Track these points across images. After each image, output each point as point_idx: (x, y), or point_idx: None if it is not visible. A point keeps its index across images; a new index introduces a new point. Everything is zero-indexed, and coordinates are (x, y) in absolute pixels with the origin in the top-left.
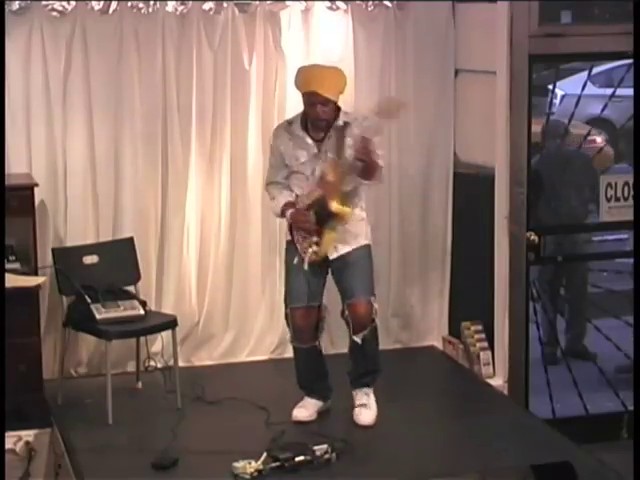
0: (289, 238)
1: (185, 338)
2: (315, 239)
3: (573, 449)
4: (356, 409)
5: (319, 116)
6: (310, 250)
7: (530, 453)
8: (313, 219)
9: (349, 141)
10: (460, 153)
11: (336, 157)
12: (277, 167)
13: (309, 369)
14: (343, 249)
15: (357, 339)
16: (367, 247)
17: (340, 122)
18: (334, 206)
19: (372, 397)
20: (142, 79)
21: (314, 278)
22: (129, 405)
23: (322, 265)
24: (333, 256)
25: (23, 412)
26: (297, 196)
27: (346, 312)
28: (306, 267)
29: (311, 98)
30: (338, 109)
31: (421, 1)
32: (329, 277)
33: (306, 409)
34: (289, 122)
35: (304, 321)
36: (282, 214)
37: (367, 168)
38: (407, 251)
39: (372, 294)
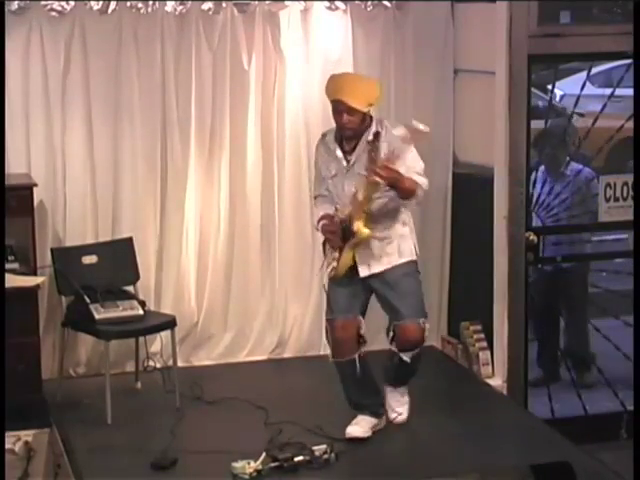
0: None
1: (184, 338)
2: (336, 255)
3: (572, 449)
4: (391, 414)
5: (344, 125)
6: (331, 266)
7: (529, 453)
8: (340, 235)
9: (381, 155)
10: (459, 153)
11: (367, 175)
12: (319, 180)
13: (355, 384)
14: (376, 267)
15: (406, 358)
16: (410, 264)
17: (370, 136)
18: (355, 226)
19: (406, 396)
20: (141, 79)
21: (349, 290)
22: (128, 405)
23: (356, 279)
24: (365, 274)
25: (22, 412)
26: (336, 209)
27: (391, 332)
28: (324, 282)
29: (337, 106)
30: (370, 119)
31: (420, 1)
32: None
33: (360, 426)
34: (324, 134)
35: (342, 333)
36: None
37: (396, 188)
38: None
39: (422, 315)
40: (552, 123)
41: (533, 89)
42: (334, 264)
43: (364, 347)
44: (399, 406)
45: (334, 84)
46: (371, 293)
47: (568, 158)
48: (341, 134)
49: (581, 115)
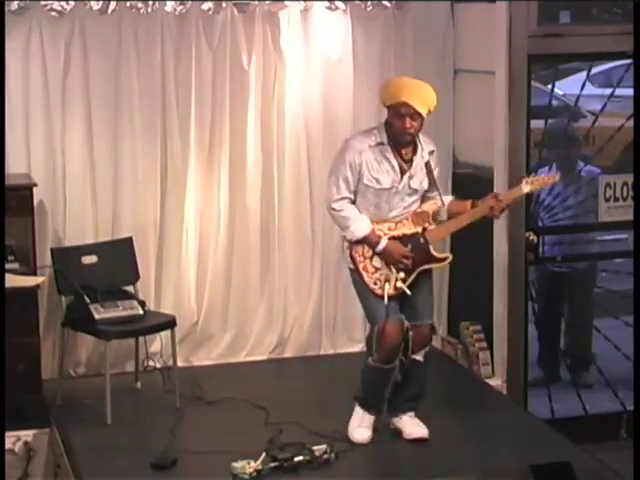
0: (352, 266)
1: (184, 338)
2: (402, 275)
3: (572, 449)
4: (407, 431)
5: (406, 130)
6: (391, 285)
7: (529, 453)
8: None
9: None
10: (459, 153)
11: (438, 198)
12: (351, 183)
13: (383, 389)
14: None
15: (419, 357)
16: None
17: (426, 155)
18: (438, 253)
19: (417, 419)
20: (141, 79)
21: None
22: (128, 405)
23: None
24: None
25: (22, 412)
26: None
27: (409, 333)
28: (386, 302)
29: (400, 109)
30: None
31: (420, 1)
32: None
33: (367, 429)
34: (379, 142)
35: (395, 338)
36: (363, 240)
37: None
38: None
39: (433, 315)
40: (566, 123)
41: (545, 87)
42: (398, 284)
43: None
44: (416, 426)
45: (397, 87)
46: None
47: (579, 159)
48: (398, 140)
49: (594, 114)
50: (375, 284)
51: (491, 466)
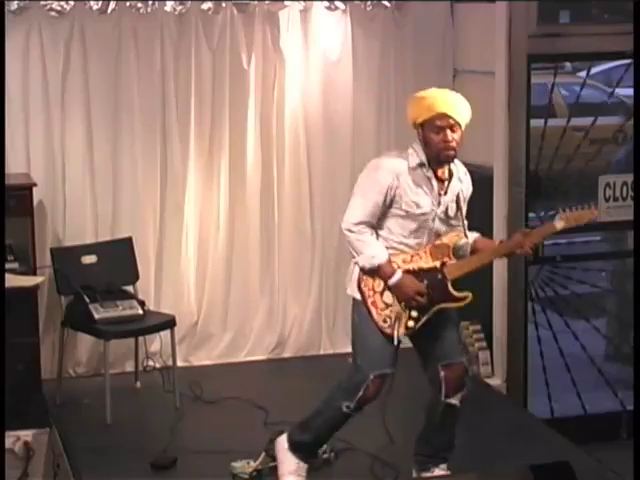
0: (358, 297)
1: (184, 338)
2: (415, 314)
3: (572, 449)
4: None
5: (448, 143)
6: (402, 323)
7: (529, 453)
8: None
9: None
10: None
11: (461, 229)
12: (377, 207)
13: (334, 432)
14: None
15: (454, 401)
16: None
17: (463, 177)
18: (455, 292)
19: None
20: (140, 79)
21: (394, 342)
22: (128, 405)
23: None
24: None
25: (22, 412)
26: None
27: (441, 374)
28: (396, 342)
29: (439, 121)
30: None
31: (420, 1)
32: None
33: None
34: (420, 162)
35: (378, 390)
36: (378, 269)
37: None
38: None
39: (463, 352)
40: None
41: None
42: (410, 323)
43: None
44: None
45: (431, 99)
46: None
47: None
48: (440, 158)
49: None
50: (385, 322)
51: (490, 466)
